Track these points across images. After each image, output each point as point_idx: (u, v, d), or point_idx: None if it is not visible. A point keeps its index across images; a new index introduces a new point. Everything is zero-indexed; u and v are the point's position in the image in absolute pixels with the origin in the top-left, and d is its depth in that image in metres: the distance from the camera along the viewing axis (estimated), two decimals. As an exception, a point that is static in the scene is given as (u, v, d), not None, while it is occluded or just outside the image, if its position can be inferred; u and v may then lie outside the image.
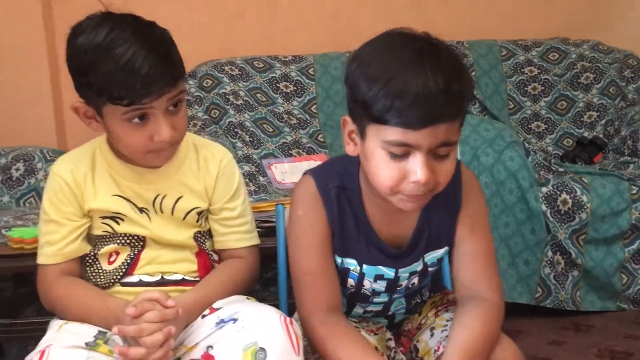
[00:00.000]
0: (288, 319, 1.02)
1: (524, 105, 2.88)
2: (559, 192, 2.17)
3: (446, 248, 1.14)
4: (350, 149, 1.04)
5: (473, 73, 2.86)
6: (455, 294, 1.12)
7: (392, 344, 1.16)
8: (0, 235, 1.84)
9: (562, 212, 2.16)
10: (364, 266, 1.11)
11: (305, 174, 1.13)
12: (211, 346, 1.02)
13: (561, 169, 2.43)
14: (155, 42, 1.05)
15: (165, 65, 1.04)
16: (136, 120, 1.06)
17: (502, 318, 1.07)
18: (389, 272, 1.11)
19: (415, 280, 1.15)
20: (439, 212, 1.10)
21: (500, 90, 2.87)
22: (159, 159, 1.13)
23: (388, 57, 0.94)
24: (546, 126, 2.85)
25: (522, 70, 2.91)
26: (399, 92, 0.91)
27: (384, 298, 1.16)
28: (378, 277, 1.12)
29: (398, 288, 1.14)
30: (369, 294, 1.15)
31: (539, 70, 2.91)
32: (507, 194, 2.13)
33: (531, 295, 2.19)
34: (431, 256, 1.14)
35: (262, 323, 1.00)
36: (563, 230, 2.16)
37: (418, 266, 1.13)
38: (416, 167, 0.94)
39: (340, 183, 1.09)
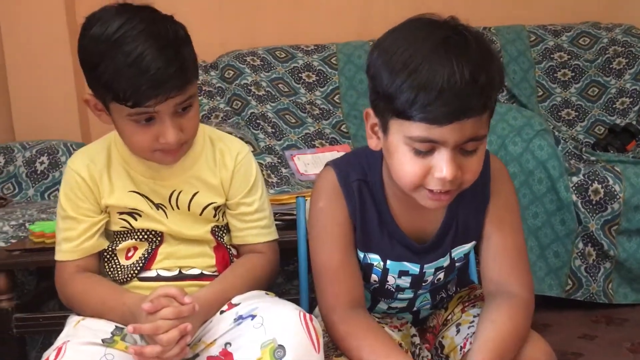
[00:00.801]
0: (308, 315, 0.99)
1: (553, 92, 2.80)
2: (590, 182, 2.10)
3: (474, 242, 1.10)
4: (373, 143, 1.00)
5: (500, 60, 2.78)
6: (483, 289, 1.08)
7: (416, 340, 1.12)
8: (24, 229, 1.85)
9: (594, 202, 2.09)
10: (388, 262, 1.07)
11: (326, 165, 1.09)
12: (229, 343, 1.01)
13: (592, 158, 2.36)
14: (167, 40, 1.01)
15: (175, 67, 1.00)
16: (141, 121, 1.04)
17: (531, 315, 1.02)
18: (414, 268, 1.08)
19: (441, 275, 1.11)
20: (467, 205, 1.06)
21: (529, 77, 2.79)
22: (168, 158, 1.10)
23: (412, 46, 0.88)
24: (577, 113, 2.77)
25: (552, 56, 2.82)
26: (423, 85, 0.86)
27: (408, 294, 1.12)
28: (402, 273, 1.08)
29: (423, 284, 1.11)
30: (393, 289, 1.11)
31: (569, 56, 2.82)
32: (536, 184, 2.08)
33: (561, 287, 2.13)
34: (458, 251, 1.10)
35: (281, 320, 0.97)
36: (594, 221, 2.10)
37: (445, 262, 1.09)
38: (442, 164, 0.90)
39: (362, 176, 1.06)
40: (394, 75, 0.88)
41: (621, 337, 1.97)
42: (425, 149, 0.90)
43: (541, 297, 2.14)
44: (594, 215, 2.10)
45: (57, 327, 1.42)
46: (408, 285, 1.10)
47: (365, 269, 1.08)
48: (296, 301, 1.34)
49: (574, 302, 2.15)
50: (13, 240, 1.73)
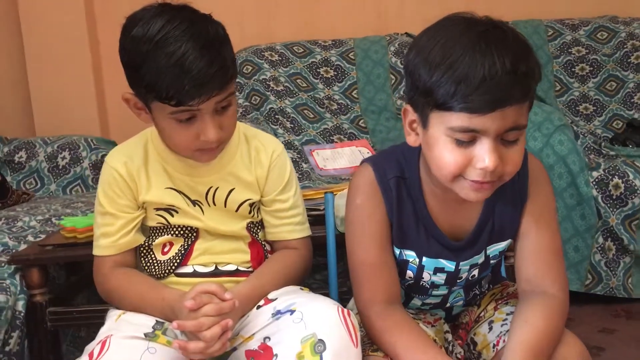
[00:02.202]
0: (346, 310, 1.01)
1: (571, 87, 2.80)
2: (610, 177, 2.10)
3: (509, 240, 1.10)
4: (412, 139, 1.01)
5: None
6: (517, 287, 1.08)
7: (449, 336, 1.13)
8: (51, 224, 1.88)
9: (614, 196, 2.10)
10: (424, 258, 1.08)
11: (363, 162, 1.10)
12: (268, 337, 1.02)
13: (612, 153, 2.36)
14: (208, 40, 1.03)
15: (216, 66, 1.01)
16: (183, 120, 1.05)
17: (566, 315, 1.03)
18: (450, 265, 1.09)
19: (476, 272, 1.12)
20: (504, 203, 1.06)
21: (547, 72, 2.78)
22: (206, 156, 1.12)
23: (450, 41, 0.90)
24: (595, 108, 2.76)
25: (569, 50, 2.82)
26: (464, 76, 0.87)
27: (443, 290, 1.14)
28: (438, 270, 1.09)
29: (458, 281, 1.12)
30: (428, 286, 1.12)
31: (587, 50, 2.81)
32: (556, 179, 2.08)
33: (581, 282, 2.14)
34: (494, 248, 1.10)
35: (320, 315, 0.99)
36: (615, 216, 2.10)
37: (480, 259, 1.10)
38: (483, 153, 0.90)
39: (400, 172, 1.06)
40: (433, 69, 0.90)
41: (642, 331, 1.99)
42: (467, 138, 0.91)
43: (561, 291, 2.15)
44: (615, 209, 2.10)
45: (89, 320, 1.45)
46: (443, 282, 1.11)
47: (401, 265, 1.10)
48: (325, 295, 1.37)
49: (594, 297, 2.15)
50: (42, 235, 1.76)
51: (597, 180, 2.10)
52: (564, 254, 2.10)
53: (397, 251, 1.09)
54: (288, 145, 2.55)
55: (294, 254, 1.21)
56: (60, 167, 2.56)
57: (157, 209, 1.17)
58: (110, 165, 1.17)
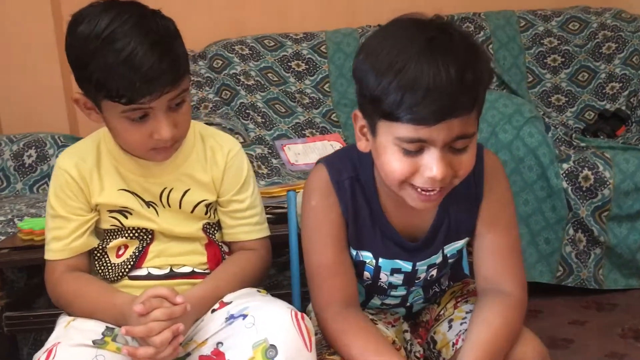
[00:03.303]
0: (299, 314, 0.99)
1: (543, 78, 2.80)
2: (580, 168, 2.10)
3: (467, 239, 1.10)
4: (362, 145, 0.99)
5: (490, 46, 2.78)
6: (476, 286, 1.08)
7: (408, 335, 1.13)
8: (13, 225, 1.83)
9: (584, 188, 2.10)
10: (380, 259, 1.07)
11: (318, 162, 1.09)
12: (221, 342, 1.00)
13: (583, 144, 2.36)
14: (158, 36, 1.00)
15: (167, 62, 0.99)
16: (135, 118, 1.03)
17: (524, 314, 1.02)
18: (406, 266, 1.07)
19: (434, 272, 1.11)
20: (459, 203, 1.05)
21: (519, 63, 2.78)
22: (161, 155, 1.09)
23: (397, 47, 0.87)
24: (567, 99, 2.77)
25: (542, 41, 2.82)
26: (410, 85, 0.85)
27: (401, 291, 1.12)
28: (395, 271, 1.08)
29: (416, 281, 1.11)
30: (386, 287, 1.11)
31: (559, 41, 2.81)
32: (526, 171, 2.08)
33: (552, 274, 2.14)
34: (451, 248, 1.09)
35: (272, 319, 0.97)
36: (585, 208, 2.10)
37: (437, 259, 1.09)
38: (431, 163, 0.89)
39: (354, 173, 1.05)
40: (380, 77, 0.87)
41: (612, 322, 1.99)
42: (415, 148, 0.90)
43: (532, 283, 2.13)
44: (585, 201, 2.10)
45: (47, 325, 1.41)
46: (401, 282, 1.10)
47: (358, 266, 1.08)
48: (288, 294, 1.35)
49: (565, 289, 2.16)
50: (1, 237, 1.72)
51: (567, 172, 2.10)
52: (534, 246, 2.12)
53: (354, 252, 1.07)
54: (259, 141, 2.53)
55: (251, 255, 1.19)
56: (27, 165, 2.51)
57: (111, 211, 1.15)
58: (61, 167, 1.14)
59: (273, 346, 0.93)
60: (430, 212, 1.06)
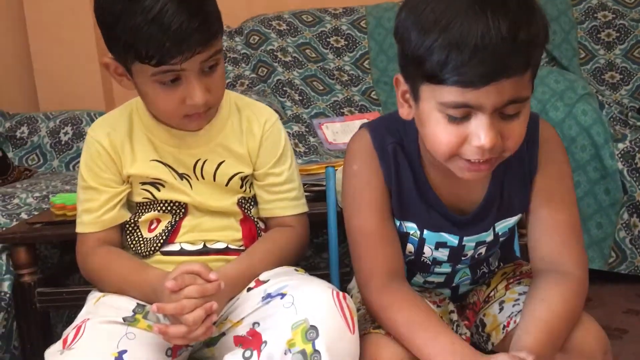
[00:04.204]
0: (341, 294, 0.92)
1: (596, 54, 2.65)
2: (637, 148, 1.99)
3: (519, 215, 1.01)
4: (405, 112, 0.92)
5: (544, 15, 2.64)
6: (532, 266, 0.99)
7: (454, 316, 1.05)
8: (47, 201, 1.81)
9: (641, 170, 1.98)
10: (425, 231, 1.00)
11: (361, 127, 1.02)
12: (257, 322, 0.94)
13: (639, 123, 2.22)
14: None
15: (197, 21, 0.93)
16: (167, 82, 0.97)
17: (585, 295, 0.94)
18: (453, 240, 1.00)
19: (483, 250, 1.03)
20: (513, 175, 0.97)
21: (571, 38, 2.64)
22: (194, 122, 1.04)
23: (443, 2, 0.79)
24: (621, 76, 2.61)
25: (595, 15, 2.66)
26: (455, 44, 0.77)
27: (446, 268, 1.05)
28: (440, 245, 1.01)
29: (463, 258, 1.03)
30: (430, 262, 1.04)
31: (614, 15, 2.65)
32: (579, 152, 1.97)
33: (604, 260, 2.03)
34: (503, 225, 1.01)
35: (312, 299, 0.91)
36: (642, 190, 1.98)
37: (488, 236, 1.01)
38: (479, 131, 0.81)
39: (399, 140, 0.98)
40: (424, 35, 0.79)
41: (668, 312, 1.89)
42: (461, 114, 0.82)
43: (582, 270, 2.05)
44: (641, 184, 1.98)
45: (80, 301, 1.38)
46: (445, 258, 1.03)
47: (401, 237, 1.01)
48: (326, 276, 1.29)
49: (618, 276, 2.05)
50: (36, 213, 1.70)
51: (622, 152, 1.98)
52: (586, 231, 2.00)
53: (397, 223, 1.01)
54: (296, 119, 2.46)
55: (288, 232, 1.13)
56: (63, 142, 2.50)
57: (143, 183, 1.10)
58: (92, 137, 1.11)
59: (314, 327, 0.87)
60: (481, 185, 0.98)
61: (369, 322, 0.99)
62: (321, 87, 2.59)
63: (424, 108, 0.85)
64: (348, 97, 2.60)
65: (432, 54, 0.79)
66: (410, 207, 0.99)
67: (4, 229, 1.55)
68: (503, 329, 0.99)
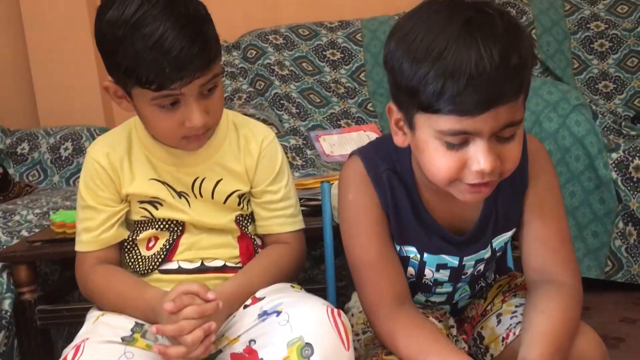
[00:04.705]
0: (336, 310, 0.94)
1: (590, 64, 2.67)
2: (630, 158, 2.00)
3: (514, 229, 1.03)
4: (400, 140, 0.92)
5: (533, 31, 2.67)
6: (525, 278, 1.01)
7: (454, 331, 1.07)
8: (47, 218, 1.83)
9: (635, 179, 1.99)
10: (425, 255, 1.01)
11: (351, 155, 1.02)
12: (254, 340, 0.96)
13: (633, 132, 2.25)
14: (187, 19, 0.96)
15: (197, 46, 0.95)
16: (166, 105, 0.99)
17: (581, 304, 0.95)
18: (453, 261, 1.01)
19: (482, 267, 1.05)
20: (505, 191, 0.98)
21: (564, 49, 2.66)
22: (193, 144, 1.06)
23: (433, 31, 0.80)
24: (615, 86, 2.64)
25: (588, 25, 2.69)
26: (450, 73, 0.78)
27: (447, 288, 1.06)
28: (441, 267, 1.02)
29: (463, 277, 1.04)
30: (431, 284, 1.05)
31: (607, 25, 2.68)
32: (573, 162, 1.98)
33: (600, 269, 2.05)
34: (499, 240, 1.03)
35: (307, 316, 0.92)
36: (636, 199, 2.00)
37: (485, 253, 1.02)
38: (478, 155, 0.82)
39: (391, 165, 0.98)
40: (416, 65, 0.80)
41: (665, 320, 1.90)
42: (459, 141, 0.83)
43: (579, 279, 2.06)
44: (635, 193, 2.00)
45: (80, 318, 1.39)
46: (447, 279, 1.04)
47: (402, 261, 1.02)
48: (324, 289, 1.30)
49: (614, 284, 2.06)
50: (36, 230, 1.71)
51: (616, 162, 2.00)
52: (582, 240, 2.02)
53: (397, 247, 1.01)
54: (294, 131, 2.48)
55: (285, 248, 1.14)
56: (63, 158, 2.52)
57: (141, 202, 1.12)
58: (91, 156, 1.12)
59: (309, 344, 0.89)
60: (477, 204, 0.99)
61: (379, 347, 0.99)
62: (318, 100, 2.62)
63: (421, 136, 0.86)
64: (345, 109, 2.62)
65: (427, 85, 0.79)
66: (409, 231, 0.99)
67: (4, 247, 1.57)
68: (502, 341, 1.00)
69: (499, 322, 1.03)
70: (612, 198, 1.99)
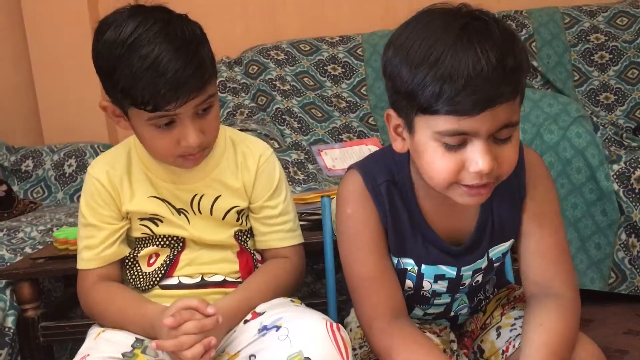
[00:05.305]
0: (335, 324, 0.94)
1: (590, 76, 2.68)
2: (632, 169, 2.00)
3: (512, 241, 1.03)
4: (399, 146, 0.94)
5: (533, 44, 2.68)
6: (524, 290, 1.01)
7: (454, 346, 1.07)
8: (51, 235, 1.84)
9: (637, 190, 1.99)
10: (423, 266, 1.01)
11: (350, 168, 1.03)
12: (254, 355, 0.96)
13: (634, 144, 2.25)
14: (183, 41, 0.97)
15: (192, 68, 0.96)
16: (162, 125, 1.00)
17: (579, 315, 0.96)
18: (451, 272, 1.01)
19: (480, 277, 1.05)
20: (501, 201, 0.99)
21: (564, 61, 2.67)
22: (189, 162, 1.06)
23: (430, 38, 0.82)
24: (616, 97, 2.64)
25: (588, 38, 2.70)
26: (448, 75, 0.80)
27: (445, 299, 1.06)
28: (438, 278, 1.02)
29: (461, 287, 1.05)
30: (429, 295, 1.05)
31: (607, 37, 2.69)
32: (574, 174, 1.98)
33: (604, 281, 2.04)
34: (496, 251, 1.03)
35: (307, 331, 0.93)
36: (639, 211, 1.99)
37: (482, 263, 1.03)
38: (476, 156, 0.84)
39: (390, 177, 0.99)
40: (415, 70, 0.82)
41: (669, 332, 1.88)
42: (457, 142, 0.85)
43: (583, 291, 2.02)
44: (638, 204, 1.99)
45: (83, 334, 1.40)
46: (445, 290, 1.04)
47: (400, 274, 1.02)
48: (325, 304, 1.30)
49: (618, 296, 2.05)
50: (40, 247, 1.72)
51: (618, 173, 2.00)
52: (585, 251, 2.02)
53: (395, 260, 1.02)
54: (296, 146, 2.49)
55: (284, 263, 1.15)
56: (67, 174, 2.54)
57: (141, 219, 1.13)
58: (92, 175, 1.14)
59: (308, 359, 0.90)
60: (473, 214, 1.00)
61: None
62: (320, 114, 2.63)
63: (420, 139, 0.88)
64: (346, 123, 2.63)
65: (426, 87, 0.81)
66: (406, 243, 1.00)
67: (8, 264, 1.58)
68: (502, 354, 1.00)
69: (498, 335, 1.03)
70: (614, 209, 1.99)
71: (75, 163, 2.54)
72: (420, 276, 1.02)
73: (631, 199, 1.99)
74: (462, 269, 1.01)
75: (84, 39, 2.75)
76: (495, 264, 1.05)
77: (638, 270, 2.03)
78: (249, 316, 1.04)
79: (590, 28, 2.71)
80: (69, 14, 2.78)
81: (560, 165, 1.99)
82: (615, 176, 2.00)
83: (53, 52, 2.80)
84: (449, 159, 0.86)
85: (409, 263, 1.01)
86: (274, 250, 1.16)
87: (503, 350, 1.00)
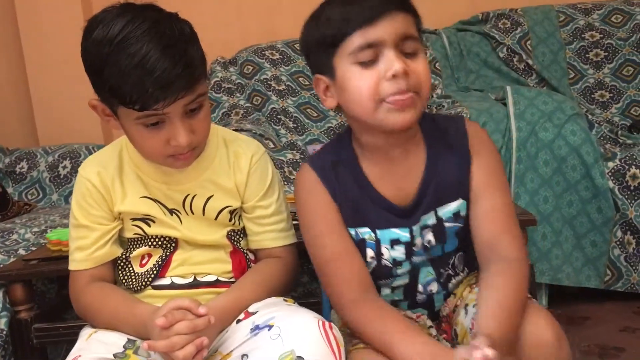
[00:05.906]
0: (327, 323, 0.94)
1: (585, 74, 2.68)
2: (627, 167, 1.99)
3: (461, 201, 1.05)
4: (330, 103, 1.02)
5: (528, 42, 2.68)
6: (476, 254, 1.05)
7: (433, 332, 1.07)
8: (44, 237, 1.83)
9: (632, 187, 1.99)
10: (378, 232, 1.05)
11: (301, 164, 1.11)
12: (246, 355, 0.96)
13: (629, 141, 2.24)
14: (172, 40, 0.96)
15: (181, 66, 0.95)
16: (151, 124, 1.00)
17: (528, 276, 1.01)
18: (404, 234, 1.05)
19: (431, 237, 1.06)
20: (446, 164, 1.05)
21: (559, 59, 2.67)
22: (180, 162, 1.06)
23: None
24: (611, 95, 2.64)
25: (583, 35, 2.70)
26: (348, 2, 0.94)
27: (406, 267, 1.08)
28: (394, 243, 1.05)
29: (415, 249, 1.06)
30: (390, 264, 1.07)
31: (601, 35, 2.69)
32: (569, 171, 1.98)
33: (600, 278, 2.04)
34: (445, 210, 1.06)
35: (299, 330, 0.93)
36: (634, 208, 1.99)
37: (429, 219, 1.05)
38: (391, 61, 0.93)
39: (336, 156, 1.07)
40: (319, 16, 0.98)
41: (666, 329, 1.88)
42: (370, 56, 0.94)
43: (579, 288, 2.05)
44: (633, 201, 1.99)
45: (77, 335, 1.39)
46: (404, 257, 1.06)
47: (360, 246, 1.06)
48: (319, 303, 1.30)
49: (614, 294, 2.05)
50: (33, 248, 1.72)
51: (613, 171, 2.00)
52: (580, 249, 2.01)
53: (353, 232, 1.05)
54: (291, 146, 2.49)
55: (277, 262, 1.14)
56: (62, 176, 2.53)
57: (133, 219, 1.12)
58: (83, 175, 1.13)
59: (300, 358, 0.89)
60: (417, 172, 1.05)
61: (348, 343, 1.02)
62: (315, 114, 2.63)
63: (340, 73, 0.96)
64: (342, 122, 2.63)
65: (332, 19, 0.95)
66: (359, 211, 1.05)
67: (1, 266, 1.57)
68: (470, 332, 1.02)
69: (466, 313, 1.05)
70: (609, 207, 1.99)
71: (70, 164, 2.53)
72: (377, 242, 1.05)
73: (626, 197, 1.99)
74: (413, 228, 1.05)
75: (78, 40, 2.75)
76: (447, 224, 1.06)
77: (634, 268, 2.03)
78: (241, 316, 1.03)
79: (585, 26, 2.71)
80: (63, 15, 2.78)
81: (556, 163, 1.98)
82: (610, 174, 1.99)
83: (47, 54, 2.79)
84: (368, 75, 0.94)
85: (365, 232, 1.05)
86: (267, 250, 1.16)
87: (470, 327, 1.02)
